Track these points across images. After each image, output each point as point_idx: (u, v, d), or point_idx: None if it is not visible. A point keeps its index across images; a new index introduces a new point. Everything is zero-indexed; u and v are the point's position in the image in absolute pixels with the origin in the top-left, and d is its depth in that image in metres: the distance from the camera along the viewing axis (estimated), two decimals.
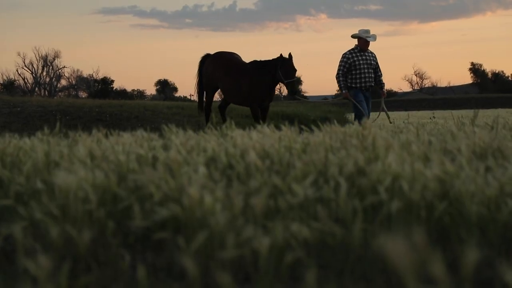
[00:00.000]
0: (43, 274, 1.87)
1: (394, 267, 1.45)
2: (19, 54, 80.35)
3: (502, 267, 1.57)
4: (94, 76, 70.71)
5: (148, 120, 15.16)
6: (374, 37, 9.96)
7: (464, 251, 1.64)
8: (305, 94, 65.95)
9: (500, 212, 2.40)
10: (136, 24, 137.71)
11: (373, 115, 10.18)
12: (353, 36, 10.00)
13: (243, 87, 10.39)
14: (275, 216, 2.48)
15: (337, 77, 9.95)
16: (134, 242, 2.69)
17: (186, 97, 67.97)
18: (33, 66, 68.49)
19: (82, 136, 3.93)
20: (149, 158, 3.32)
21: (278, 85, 11.16)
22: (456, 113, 19.23)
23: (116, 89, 70.24)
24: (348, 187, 2.58)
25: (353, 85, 9.87)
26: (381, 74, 10.16)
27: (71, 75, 70.91)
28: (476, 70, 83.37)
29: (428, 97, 70.63)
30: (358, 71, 9.86)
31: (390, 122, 10.69)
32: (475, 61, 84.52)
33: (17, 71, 68.53)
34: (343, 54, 9.97)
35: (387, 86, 10.27)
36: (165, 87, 77.51)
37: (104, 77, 70.57)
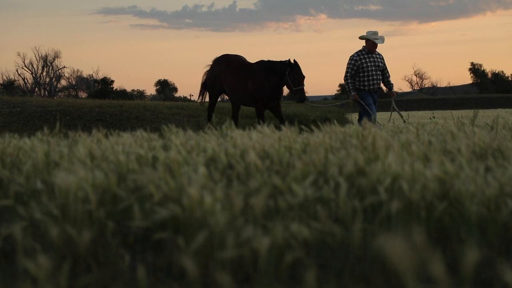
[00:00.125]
0: (43, 274, 1.87)
1: (394, 267, 1.44)
2: (19, 54, 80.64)
3: (502, 267, 1.57)
4: (94, 76, 70.81)
5: (148, 120, 15.17)
6: (382, 39, 9.84)
7: (464, 251, 1.64)
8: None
9: (500, 212, 2.40)
10: (136, 24, 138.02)
11: (386, 115, 10.09)
12: (361, 38, 9.92)
13: (249, 87, 10.35)
14: (275, 216, 2.47)
15: (345, 79, 9.89)
16: (134, 242, 2.69)
17: (186, 97, 68.08)
18: (33, 66, 68.58)
19: (82, 136, 3.92)
20: (149, 158, 3.32)
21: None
22: (456, 113, 19.23)
23: (116, 89, 70.29)
24: (348, 187, 2.58)
25: (361, 87, 9.82)
26: (389, 75, 10.10)
27: (71, 75, 71.06)
28: (476, 70, 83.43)
29: (428, 97, 70.64)
30: (366, 73, 9.80)
31: (404, 121, 10.49)
32: (475, 61, 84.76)
33: (17, 71, 68.67)
34: (350, 56, 9.89)
35: None
36: (165, 87, 77.61)
37: (104, 77, 70.68)
